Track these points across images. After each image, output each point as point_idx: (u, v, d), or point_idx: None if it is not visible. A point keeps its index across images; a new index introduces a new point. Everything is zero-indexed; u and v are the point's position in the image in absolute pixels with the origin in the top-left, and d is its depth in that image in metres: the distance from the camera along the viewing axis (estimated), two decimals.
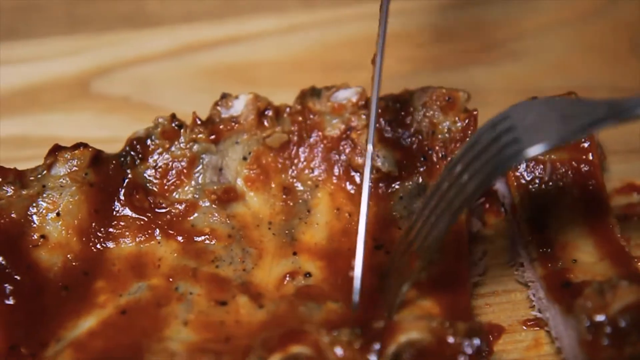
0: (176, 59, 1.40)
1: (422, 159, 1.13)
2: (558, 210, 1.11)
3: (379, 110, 1.14)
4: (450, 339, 0.95)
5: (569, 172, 1.12)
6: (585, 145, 1.13)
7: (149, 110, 1.15)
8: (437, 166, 1.13)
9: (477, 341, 0.95)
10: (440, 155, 1.13)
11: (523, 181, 1.13)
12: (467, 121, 1.13)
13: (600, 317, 0.97)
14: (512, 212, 1.15)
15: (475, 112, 1.14)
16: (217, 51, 1.41)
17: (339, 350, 0.94)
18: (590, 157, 1.13)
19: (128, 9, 1.45)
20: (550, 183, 1.12)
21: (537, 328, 1.09)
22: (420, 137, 1.14)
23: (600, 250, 1.07)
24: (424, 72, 1.37)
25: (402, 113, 1.14)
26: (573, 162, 1.13)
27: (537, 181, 1.12)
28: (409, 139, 1.14)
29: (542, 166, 1.12)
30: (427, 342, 0.95)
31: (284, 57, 1.40)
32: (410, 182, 1.13)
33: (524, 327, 1.09)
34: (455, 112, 1.13)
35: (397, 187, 1.13)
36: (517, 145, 0.93)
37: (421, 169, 1.13)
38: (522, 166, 1.12)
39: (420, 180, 1.13)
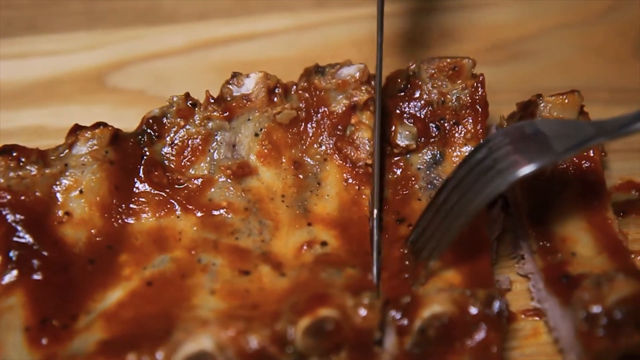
0: (190, 54, 1.43)
1: (435, 129, 1.17)
2: (559, 204, 1.14)
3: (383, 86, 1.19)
4: (472, 309, 0.99)
5: (571, 168, 1.16)
6: None
7: (163, 103, 1.17)
8: (450, 134, 1.17)
9: (497, 305, 1.00)
10: (452, 122, 1.17)
11: None
12: (474, 86, 1.17)
13: (596, 309, 1.00)
14: (515, 205, 1.18)
15: (481, 77, 1.17)
16: (229, 48, 1.44)
17: (362, 312, 0.99)
18: (592, 154, 1.16)
19: (144, 7, 1.49)
20: (553, 178, 1.15)
21: (536, 318, 1.12)
22: (431, 108, 1.18)
23: (598, 244, 1.10)
24: None
25: (411, 87, 1.18)
26: (575, 159, 1.16)
27: (539, 176, 1.15)
28: (421, 111, 1.18)
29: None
30: (450, 313, 0.99)
31: (294, 54, 1.44)
32: (427, 153, 1.17)
33: (523, 317, 1.13)
34: (462, 80, 1.17)
35: (414, 159, 1.17)
36: (512, 166, 0.99)
37: (436, 139, 1.17)
38: None
39: (436, 149, 1.17)
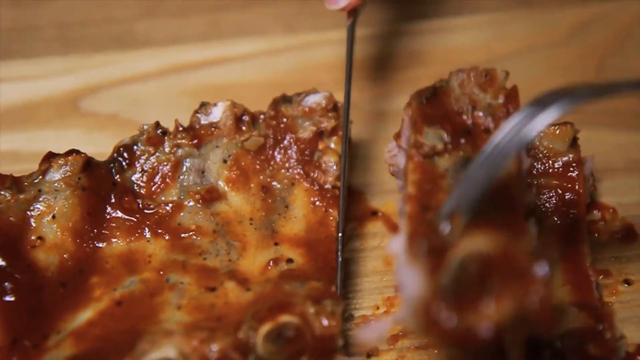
0: (163, 79, 1.46)
1: (467, 133, 1.12)
2: (538, 233, 1.15)
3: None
4: (519, 256, 0.92)
5: (554, 198, 1.17)
6: (574, 174, 1.18)
7: (136, 127, 1.19)
8: (480, 139, 1.12)
9: (544, 263, 0.91)
10: (483, 129, 1.12)
11: None
12: (508, 95, 1.13)
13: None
14: None
15: (515, 87, 1.13)
16: (202, 72, 1.47)
17: (324, 321, 1.02)
18: (577, 187, 1.18)
19: (117, 32, 1.51)
20: (535, 207, 1.17)
21: None
22: (461, 113, 1.13)
23: (566, 276, 1.11)
24: (400, 92, 1.43)
25: (439, 95, 1.15)
26: (559, 189, 1.18)
27: None
28: (449, 116, 1.13)
29: (530, 189, 1.17)
30: (495, 253, 0.91)
31: (266, 78, 1.46)
32: (454, 156, 1.11)
33: None
34: (494, 90, 1.14)
35: (440, 162, 1.12)
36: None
37: (465, 143, 1.12)
38: None
39: (465, 153, 1.11)
